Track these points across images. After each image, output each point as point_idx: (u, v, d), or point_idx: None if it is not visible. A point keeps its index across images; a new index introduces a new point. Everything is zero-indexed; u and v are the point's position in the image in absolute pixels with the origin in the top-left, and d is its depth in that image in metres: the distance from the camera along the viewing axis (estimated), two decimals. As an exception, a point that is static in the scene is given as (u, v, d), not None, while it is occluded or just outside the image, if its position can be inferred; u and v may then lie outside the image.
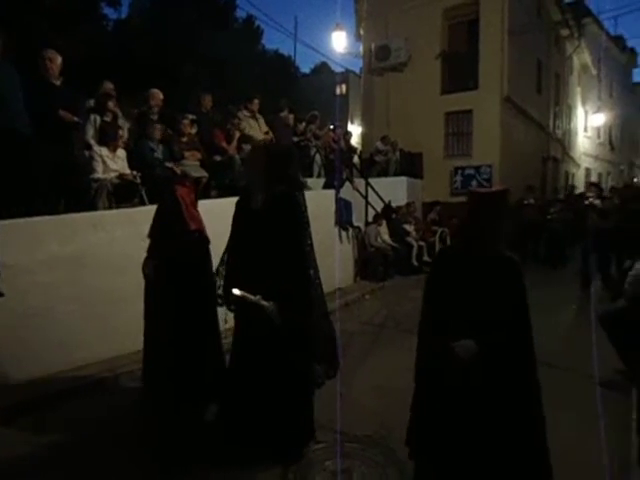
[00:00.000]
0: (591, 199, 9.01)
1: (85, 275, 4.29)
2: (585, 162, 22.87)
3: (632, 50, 27.27)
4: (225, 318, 2.96)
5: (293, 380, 2.78)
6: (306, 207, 2.89)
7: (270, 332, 2.70)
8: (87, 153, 5.24)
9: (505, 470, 2.10)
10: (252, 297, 2.69)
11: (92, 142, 5.26)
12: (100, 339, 4.31)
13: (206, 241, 3.56)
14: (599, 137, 24.63)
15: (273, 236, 2.73)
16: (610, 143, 25.92)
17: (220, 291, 2.95)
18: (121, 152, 5.31)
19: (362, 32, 15.27)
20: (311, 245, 2.86)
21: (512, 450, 2.09)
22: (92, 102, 5.52)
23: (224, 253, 3.02)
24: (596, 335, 4.33)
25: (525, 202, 10.61)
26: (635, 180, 25.30)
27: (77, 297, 4.23)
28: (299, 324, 2.74)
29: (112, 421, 3.39)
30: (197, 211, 3.59)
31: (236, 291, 2.73)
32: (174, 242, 3.39)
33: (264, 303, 2.67)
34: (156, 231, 3.52)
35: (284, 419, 2.78)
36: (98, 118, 5.40)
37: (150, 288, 3.51)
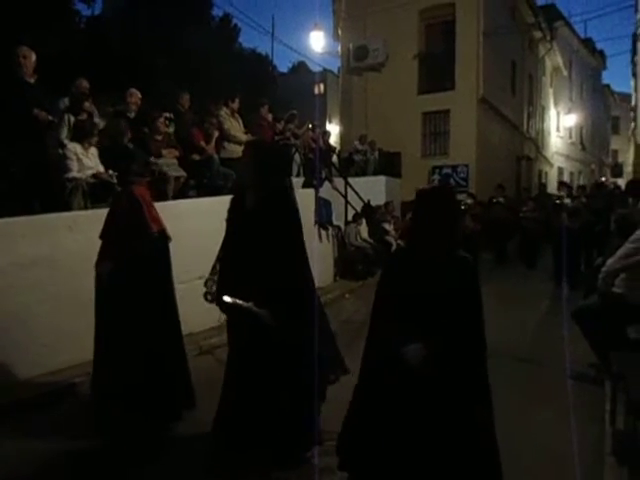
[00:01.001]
0: (562, 198, 9.21)
1: (61, 277, 4.19)
2: (557, 161, 23.46)
3: (601, 53, 28.06)
4: (219, 317, 2.90)
5: (291, 385, 2.73)
6: (297, 208, 2.86)
7: (265, 337, 2.65)
8: (61, 151, 5.12)
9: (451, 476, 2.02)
10: (244, 304, 2.62)
11: (66, 141, 5.15)
12: (76, 342, 4.21)
13: (167, 239, 3.53)
14: (571, 137, 25.29)
15: (267, 236, 2.67)
16: (581, 143, 26.64)
17: (212, 288, 2.89)
18: (94, 150, 5.20)
19: (340, 32, 15.33)
20: (304, 246, 2.82)
21: (460, 457, 2.01)
22: (66, 100, 5.40)
23: (220, 251, 2.96)
24: (569, 330, 4.45)
25: (494, 200, 10.73)
26: (603, 179, 26.05)
27: (52, 299, 4.13)
28: (296, 327, 2.69)
29: (86, 427, 3.32)
30: (156, 210, 3.53)
31: (227, 298, 2.66)
32: (136, 244, 3.33)
33: (257, 310, 2.60)
34: (112, 232, 3.44)
35: (283, 423, 2.73)
36: (72, 118, 5.28)
37: (103, 291, 3.43)
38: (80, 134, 5.08)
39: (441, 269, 2.07)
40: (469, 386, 2.05)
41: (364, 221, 9.36)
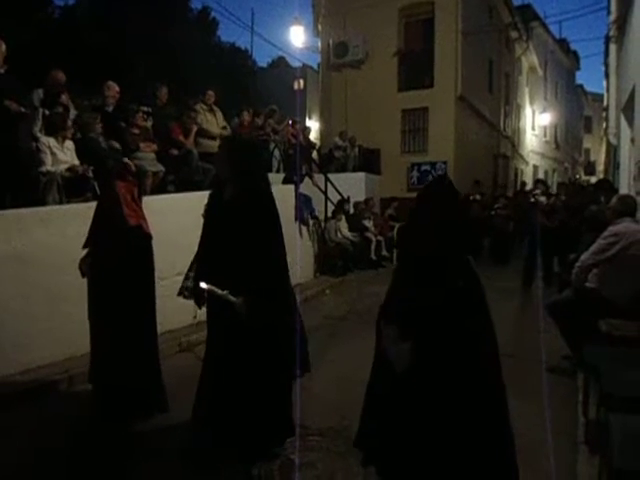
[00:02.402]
0: (537, 196, 9.14)
1: (34, 273, 4.09)
2: (533, 159, 23.92)
3: (575, 53, 28.69)
4: (195, 314, 2.90)
5: (266, 378, 2.75)
6: (274, 202, 2.87)
7: (240, 328, 2.66)
8: (34, 145, 4.99)
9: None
10: (220, 291, 2.65)
11: (39, 135, 5.02)
12: (51, 340, 4.13)
13: (147, 237, 3.46)
14: (545, 136, 25.81)
15: (245, 230, 2.68)
16: (555, 141, 27.22)
17: (189, 283, 2.90)
18: (69, 143, 5.08)
19: (320, 28, 15.29)
20: (282, 242, 2.84)
21: (475, 461, 1.99)
22: (41, 92, 5.24)
23: (198, 247, 2.96)
24: (544, 325, 4.57)
25: (471, 198, 10.65)
26: (577, 177, 26.71)
27: (25, 296, 4.03)
28: (271, 320, 2.71)
29: (64, 425, 3.27)
30: (139, 206, 3.48)
31: (203, 285, 2.68)
32: (112, 239, 3.29)
33: (232, 298, 2.62)
34: (95, 227, 3.42)
35: (259, 417, 2.74)
36: (47, 111, 5.15)
37: (89, 286, 3.41)
38: (53, 127, 4.96)
39: (438, 272, 2.01)
40: (470, 387, 2.01)
41: (343, 217, 9.40)
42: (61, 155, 4.90)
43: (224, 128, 7.56)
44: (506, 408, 2.11)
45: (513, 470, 2.09)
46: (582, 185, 14.99)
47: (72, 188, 4.87)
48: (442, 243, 2.04)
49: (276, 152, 9.08)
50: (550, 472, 2.68)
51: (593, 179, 24.67)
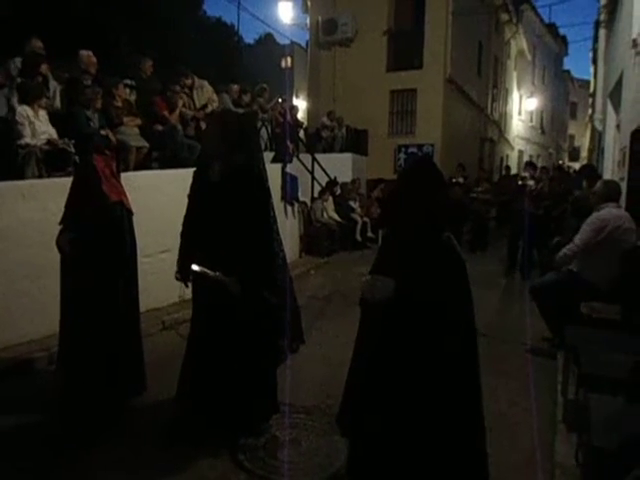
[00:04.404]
0: (526, 180, 9.00)
1: (12, 249, 3.99)
2: (518, 144, 24.05)
3: (563, 38, 28.66)
4: (180, 292, 2.87)
5: (255, 356, 2.74)
6: (267, 178, 2.82)
7: (231, 308, 2.65)
8: (10, 116, 4.81)
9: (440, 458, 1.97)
10: (212, 273, 2.62)
11: (16, 105, 4.84)
12: (32, 317, 4.06)
13: (129, 213, 3.38)
14: (531, 121, 25.93)
15: (233, 209, 2.64)
16: (541, 127, 27.37)
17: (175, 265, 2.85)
18: (43, 113, 4.89)
19: (309, 4, 14.98)
20: (274, 217, 2.80)
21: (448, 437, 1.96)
22: (18, 62, 5.03)
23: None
24: (524, 309, 4.66)
25: (454, 181, 10.41)
26: (560, 162, 26.93)
27: (5, 272, 3.94)
28: (261, 299, 2.69)
29: (43, 403, 3.22)
30: (119, 182, 3.38)
31: (195, 267, 2.66)
32: (92, 215, 3.19)
33: (224, 279, 2.61)
34: (73, 203, 3.31)
35: (246, 395, 2.74)
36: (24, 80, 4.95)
37: (66, 263, 3.31)
38: (27, 96, 4.75)
39: (415, 252, 1.97)
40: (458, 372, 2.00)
41: (330, 198, 9.36)
42: (39, 125, 4.73)
43: (205, 107, 7.32)
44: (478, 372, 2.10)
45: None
46: (565, 170, 14.86)
47: (53, 162, 4.73)
48: (414, 214, 2.01)
49: (263, 131, 8.94)
50: (529, 449, 2.75)
51: (577, 165, 24.90)
